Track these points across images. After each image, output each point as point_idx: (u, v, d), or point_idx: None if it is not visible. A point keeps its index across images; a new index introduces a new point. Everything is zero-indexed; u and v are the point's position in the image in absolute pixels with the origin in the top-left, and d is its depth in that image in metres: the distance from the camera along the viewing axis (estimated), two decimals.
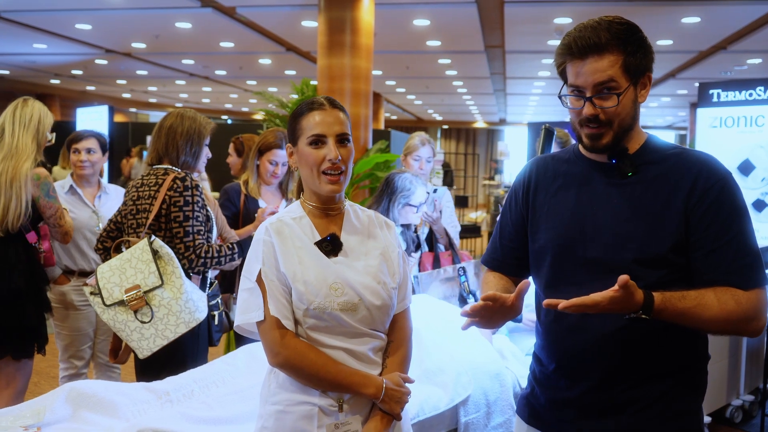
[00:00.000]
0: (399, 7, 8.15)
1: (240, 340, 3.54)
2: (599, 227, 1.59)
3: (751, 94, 6.36)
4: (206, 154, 2.97)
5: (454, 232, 4.05)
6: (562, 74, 1.63)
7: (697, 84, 13.15)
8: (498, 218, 1.88)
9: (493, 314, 1.58)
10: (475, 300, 3.24)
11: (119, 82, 16.72)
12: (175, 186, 2.72)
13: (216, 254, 2.79)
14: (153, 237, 2.65)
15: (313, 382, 1.68)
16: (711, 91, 6.60)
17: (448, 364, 2.68)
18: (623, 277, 1.38)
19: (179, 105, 22.90)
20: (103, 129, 12.06)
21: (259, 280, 1.70)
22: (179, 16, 9.07)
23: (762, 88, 6.26)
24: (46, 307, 3.21)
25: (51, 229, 3.24)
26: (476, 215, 15.97)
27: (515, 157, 20.94)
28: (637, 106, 1.60)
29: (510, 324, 3.26)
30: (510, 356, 3.01)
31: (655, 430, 1.58)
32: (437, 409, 2.52)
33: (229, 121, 23.76)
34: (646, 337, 1.56)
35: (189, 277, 2.70)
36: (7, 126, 3.10)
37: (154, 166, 2.87)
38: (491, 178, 21.30)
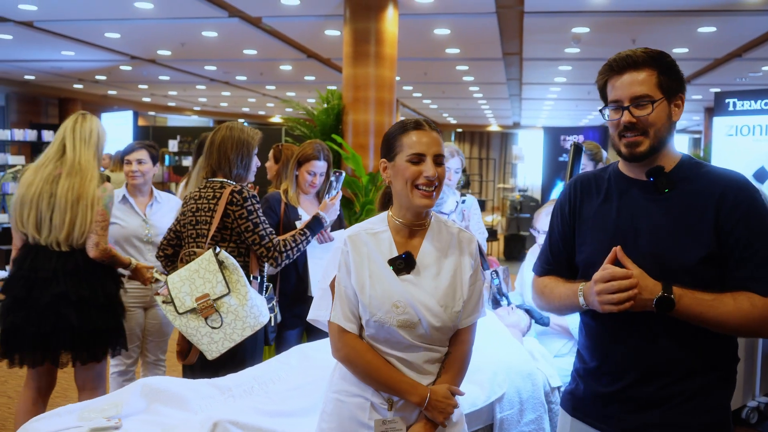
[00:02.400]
0: (421, 17, 8.34)
1: (279, 342, 3.77)
2: (640, 239, 1.77)
3: (766, 104, 6.51)
4: (255, 163, 3.17)
5: (482, 238, 4.25)
6: (603, 92, 1.86)
7: (712, 90, 13.28)
8: (546, 233, 2.08)
9: None
10: (509, 302, 3.45)
11: (141, 86, 17.00)
12: (234, 200, 2.93)
13: (293, 244, 3.08)
14: (218, 249, 2.85)
15: (366, 380, 1.87)
16: (727, 100, 6.75)
17: (485, 364, 2.87)
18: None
19: (197, 108, 23.19)
20: (128, 133, 12.36)
21: (332, 285, 1.92)
22: (206, 25, 9.30)
23: None
24: (122, 310, 3.38)
25: (89, 235, 3.27)
26: (491, 218, 16.13)
27: (529, 161, 21.07)
28: (671, 123, 1.80)
29: (538, 327, 3.46)
30: (540, 357, 3.20)
31: (690, 423, 1.74)
32: (475, 406, 2.71)
33: (246, 125, 23.99)
34: (680, 338, 1.73)
35: (250, 282, 2.93)
36: (68, 141, 3.22)
37: (209, 179, 3.08)
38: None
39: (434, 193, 1.88)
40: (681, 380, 1.75)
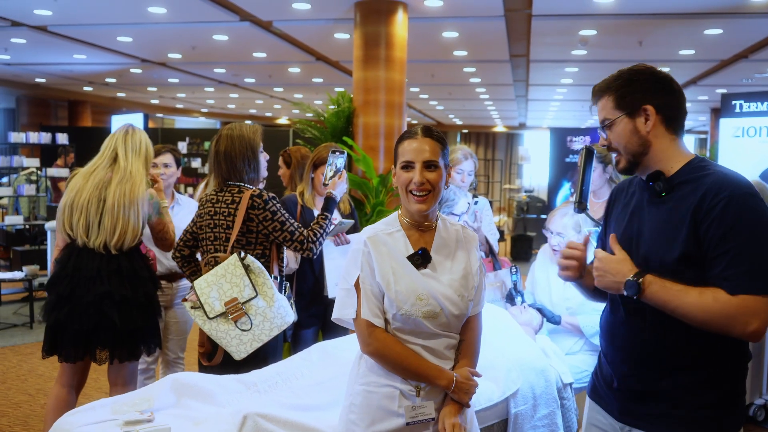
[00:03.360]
0: (430, 21, 8.43)
1: (296, 340, 3.87)
2: (638, 238, 1.91)
3: None
4: (264, 159, 3.22)
5: (494, 239, 4.34)
6: None
7: (718, 91, 13.31)
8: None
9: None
10: (523, 299, 3.55)
11: (150, 89, 17.13)
12: (255, 204, 3.01)
13: (320, 230, 3.16)
14: (243, 253, 2.94)
15: (396, 370, 2.00)
16: (734, 102, 6.81)
17: (499, 360, 2.96)
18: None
19: (204, 110, 23.31)
20: None
21: (357, 285, 2.02)
22: (217, 29, 9.41)
23: None
24: (157, 312, 3.49)
25: (156, 241, 3.53)
26: (498, 219, 16.21)
27: (535, 161, 21.13)
28: (642, 136, 1.89)
29: (550, 326, 3.55)
30: (552, 354, 3.29)
31: (686, 416, 1.83)
32: (491, 401, 2.80)
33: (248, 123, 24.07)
34: (662, 333, 1.84)
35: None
36: (120, 151, 3.36)
37: (226, 183, 3.14)
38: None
39: (428, 198, 2.02)
40: (672, 374, 1.84)
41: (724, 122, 6.82)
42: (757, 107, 6.60)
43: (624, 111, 1.90)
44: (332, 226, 3.41)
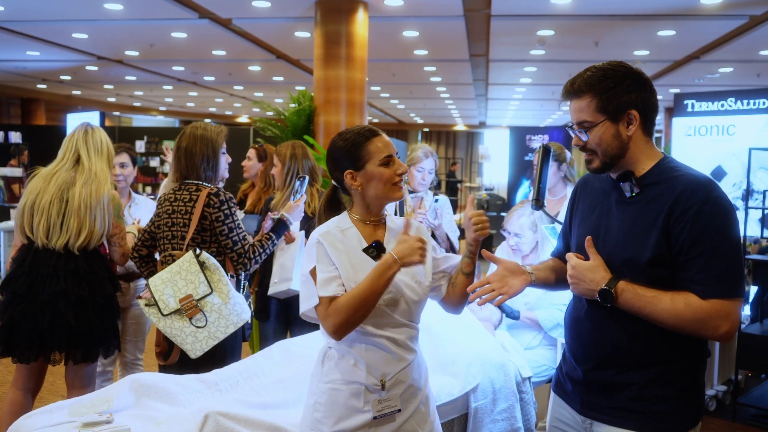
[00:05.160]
0: (391, 20, 8.47)
1: (264, 338, 3.87)
2: (606, 236, 1.92)
3: (723, 105, 6.74)
4: (225, 161, 3.21)
5: (455, 237, 4.40)
6: None
7: (671, 91, 13.63)
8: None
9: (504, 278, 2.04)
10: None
11: (106, 87, 16.82)
12: (211, 202, 2.99)
13: (261, 249, 3.14)
14: (198, 250, 2.93)
15: (364, 310, 1.92)
16: (686, 101, 6.98)
17: (459, 356, 3.00)
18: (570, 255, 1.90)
19: (163, 108, 22.99)
20: None
21: (312, 273, 2.00)
22: (176, 26, 9.30)
23: (733, 99, 6.64)
24: (118, 313, 3.43)
25: (110, 248, 3.43)
26: (459, 217, 16.32)
27: (495, 160, 21.35)
28: (622, 140, 1.85)
29: (509, 321, 3.61)
30: (511, 349, 3.34)
31: (646, 410, 1.87)
32: (451, 396, 2.83)
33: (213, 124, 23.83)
34: (625, 330, 1.87)
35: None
36: (83, 152, 3.30)
37: (184, 182, 3.12)
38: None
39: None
40: (632, 369, 1.88)
41: (676, 121, 6.99)
42: (708, 107, 6.77)
43: (607, 115, 1.84)
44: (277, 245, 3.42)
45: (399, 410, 2.03)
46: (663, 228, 1.79)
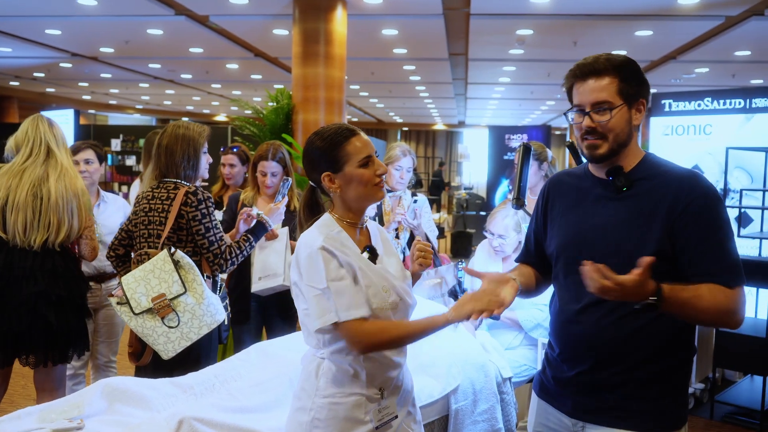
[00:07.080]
0: (370, 18, 8.43)
1: (238, 341, 3.80)
2: (596, 236, 1.89)
3: (699, 105, 6.79)
4: (206, 161, 3.15)
5: (433, 236, 4.36)
6: (569, 95, 1.95)
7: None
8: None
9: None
10: None
11: (81, 84, 16.58)
12: (189, 201, 2.94)
13: (238, 251, 3.08)
14: (173, 249, 2.87)
15: (396, 345, 1.94)
16: (663, 101, 7.03)
17: (440, 357, 2.96)
18: (646, 259, 1.61)
19: (139, 107, 22.73)
20: (69, 133, 12.05)
21: (327, 287, 1.86)
22: (152, 23, 9.18)
23: (709, 98, 6.70)
24: (87, 313, 3.35)
25: (80, 242, 3.34)
26: (438, 216, 16.33)
27: (475, 159, 21.41)
28: (631, 127, 1.86)
29: (489, 321, 3.58)
30: (492, 350, 3.31)
31: (640, 408, 1.86)
32: (432, 397, 2.79)
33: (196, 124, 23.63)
34: (625, 330, 1.84)
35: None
36: (53, 145, 3.21)
37: (162, 180, 3.07)
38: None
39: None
40: (628, 369, 1.86)
41: (654, 121, 7.03)
42: (685, 106, 6.82)
43: (624, 100, 1.83)
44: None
45: (396, 416, 2.00)
46: (665, 224, 1.79)
